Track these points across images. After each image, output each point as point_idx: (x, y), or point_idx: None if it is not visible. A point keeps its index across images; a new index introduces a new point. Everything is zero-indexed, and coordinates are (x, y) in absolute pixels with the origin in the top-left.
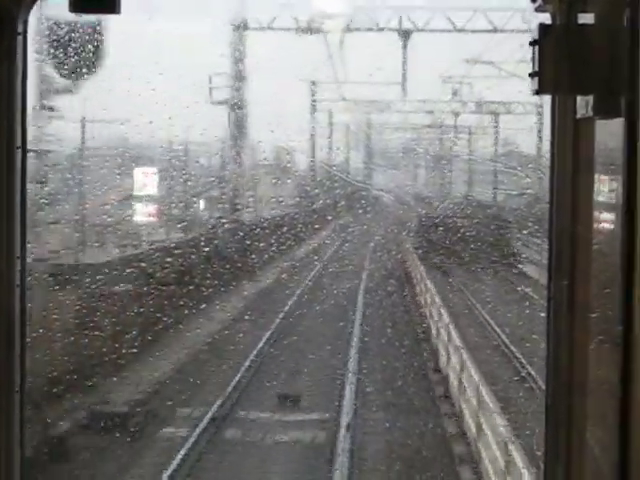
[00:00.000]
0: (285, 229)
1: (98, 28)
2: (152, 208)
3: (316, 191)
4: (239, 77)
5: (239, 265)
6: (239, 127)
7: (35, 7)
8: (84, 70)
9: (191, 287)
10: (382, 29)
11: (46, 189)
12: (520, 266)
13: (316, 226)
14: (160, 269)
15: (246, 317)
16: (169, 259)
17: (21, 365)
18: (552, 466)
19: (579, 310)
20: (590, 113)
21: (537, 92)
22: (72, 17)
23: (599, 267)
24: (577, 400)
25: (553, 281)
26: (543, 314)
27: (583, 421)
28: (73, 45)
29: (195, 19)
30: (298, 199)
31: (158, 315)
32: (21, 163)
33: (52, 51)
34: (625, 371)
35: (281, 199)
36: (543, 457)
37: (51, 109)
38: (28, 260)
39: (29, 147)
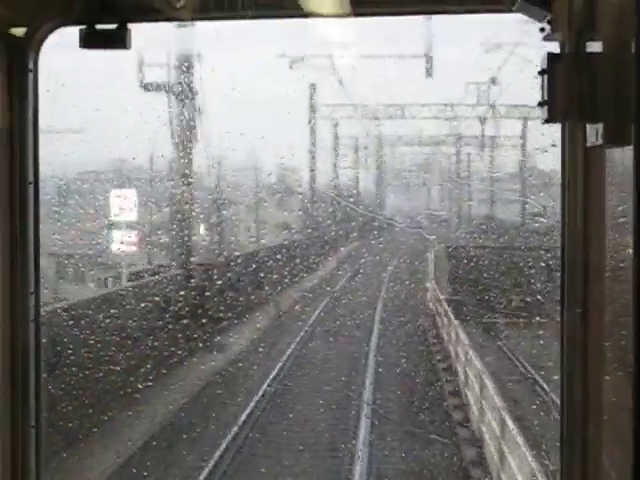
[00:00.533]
0: (289, 262)
1: None
2: (134, 236)
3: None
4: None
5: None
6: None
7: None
8: None
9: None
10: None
11: None
12: None
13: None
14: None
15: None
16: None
17: (36, 400)
18: None
19: (592, 338)
20: (600, 141)
21: (547, 121)
22: None
23: (612, 294)
24: (592, 429)
25: (566, 309)
26: None
27: (598, 450)
28: None
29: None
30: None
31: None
32: (34, 198)
33: None
34: (638, 399)
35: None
36: None
37: None
38: None
39: None
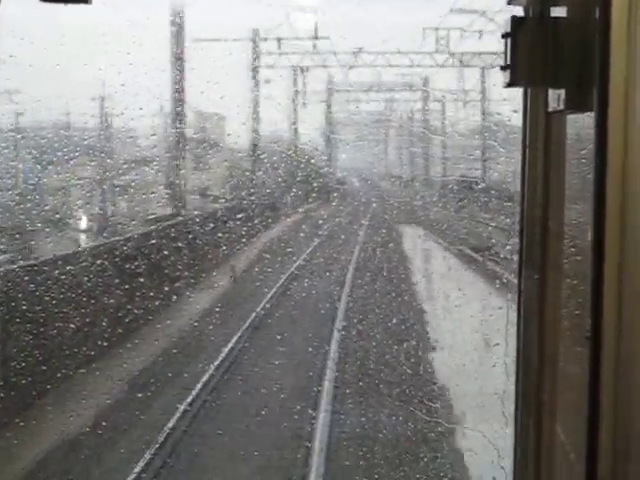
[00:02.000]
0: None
1: None
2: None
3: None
4: None
5: None
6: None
7: None
8: None
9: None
10: None
11: None
12: None
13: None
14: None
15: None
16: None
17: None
18: (522, 460)
19: (550, 304)
20: (562, 107)
21: (509, 85)
22: None
23: (570, 261)
24: (547, 396)
25: (523, 275)
26: None
27: (553, 417)
28: None
29: None
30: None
31: None
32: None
33: None
34: (594, 365)
35: (210, 186)
36: (512, 453)
37: None
38: None
39: None
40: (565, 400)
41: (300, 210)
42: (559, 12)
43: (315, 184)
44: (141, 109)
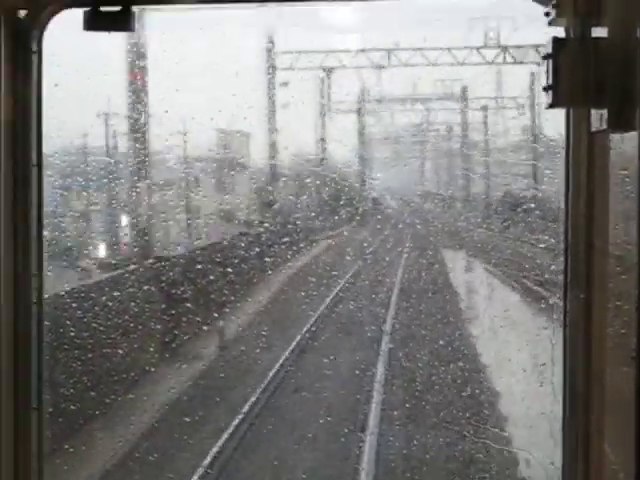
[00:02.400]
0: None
1: None
2: None
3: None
4: None
5: None
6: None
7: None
8: None
9: None
10: None
11: None
12: None
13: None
14: None
15: None
16: None
17: (38, 382)
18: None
19: (595, 323)
20: (604, 126)
21: (551, 105)
22: None
23: (615, 279)
24: (594, 415)
25: (569, 294)
26: None
27: (601, 436)
28: None
29: None
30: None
31: None
32: (37, 180)
33: None
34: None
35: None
36: (561, 473)
37: None
38: None
39: None
40: (613, 419)
41: (333, 234)
42: (600, 32)
43: (349, 206)
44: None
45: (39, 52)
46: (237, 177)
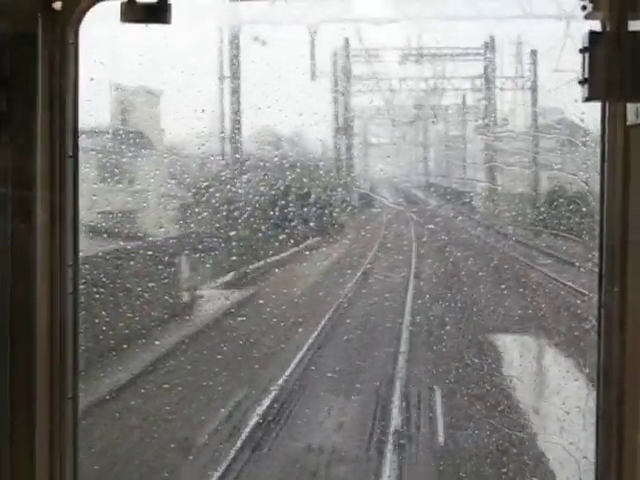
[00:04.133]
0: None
1: None
2: None
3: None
4: None
5: None
6: None
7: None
8: None
9: None
10: None
11: None
12: None
13: None
14: None
15: None
16: None
17: (74, 372)
18: (604, 471)
19: (630, 317)
20: None
21: (587, 99)
22: None
23: None
24: (628, 407)
25: (604, 288)
26: None
27: (635, 427)
28: None
29: None
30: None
31: None
32: (73, 171)
33: None
34: None
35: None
36: (595, 466)
37: None
38: None
39: None
40: None
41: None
42: (637, 26)
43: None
44: None
45: (76, 43)
46: (139, 161)
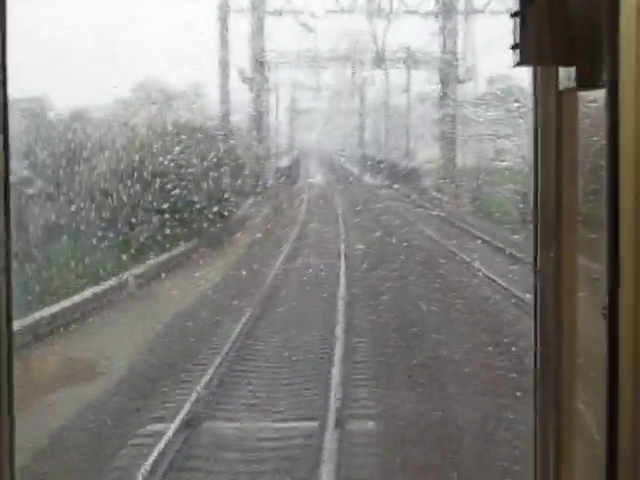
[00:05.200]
0: None
1: None
2: None
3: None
4: None
5: None
6: None
7: None
8: None
9: None
10: None
11: None
12: None
13: None
14: None
15: None
16: None
17: (8, 379)
18: (542, 438)
19: (565, 281)
20: (573, 84)
21: (519, 64)
22: None
23: (584, 237)
24: (566, 372)
25: (539, 253)
26: None
27: (572, 393)
28: None
29: None
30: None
31: None
32: (4, 167)
33: None
34: (612, 341)
35: None
36: (533, 430)
37: None
38: None
39: None
40: (584, 376)
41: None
42: None
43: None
44: None
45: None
46: None
